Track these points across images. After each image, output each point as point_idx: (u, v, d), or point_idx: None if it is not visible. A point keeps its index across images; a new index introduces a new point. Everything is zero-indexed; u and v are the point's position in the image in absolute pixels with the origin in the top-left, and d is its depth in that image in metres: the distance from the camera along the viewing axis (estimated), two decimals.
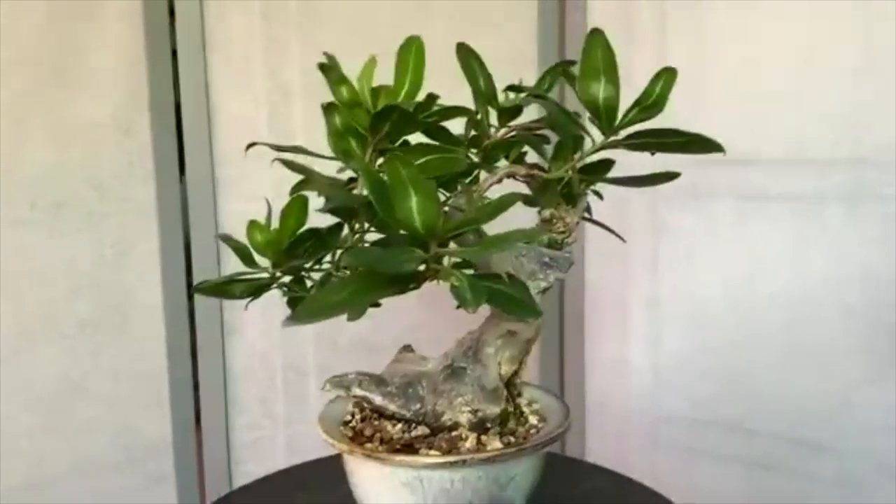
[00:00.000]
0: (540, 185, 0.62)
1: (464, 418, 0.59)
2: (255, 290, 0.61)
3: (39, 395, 1.15)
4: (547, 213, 0.63)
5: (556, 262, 0.61)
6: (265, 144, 0.59)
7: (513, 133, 0.64)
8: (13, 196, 1.11)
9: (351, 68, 0.59)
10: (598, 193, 0.65)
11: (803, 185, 1.11)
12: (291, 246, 0.59)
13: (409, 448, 0.58)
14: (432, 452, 0.57)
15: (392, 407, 0.61)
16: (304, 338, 1.32)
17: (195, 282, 1.27)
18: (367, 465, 0.57)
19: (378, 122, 0.53)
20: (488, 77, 0.62)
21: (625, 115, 0.54)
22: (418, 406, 0.60)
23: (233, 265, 1.37)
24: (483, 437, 0.58)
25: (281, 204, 0.60)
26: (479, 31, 1.29)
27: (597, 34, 0.53)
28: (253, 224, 0.59)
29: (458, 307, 0.49)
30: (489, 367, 0.61)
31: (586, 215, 0.66)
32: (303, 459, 0.88)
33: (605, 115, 0.54)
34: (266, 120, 1.27)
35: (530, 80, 0.67)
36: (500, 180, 0.61)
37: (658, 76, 0.54)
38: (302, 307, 0.49)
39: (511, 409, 0.62)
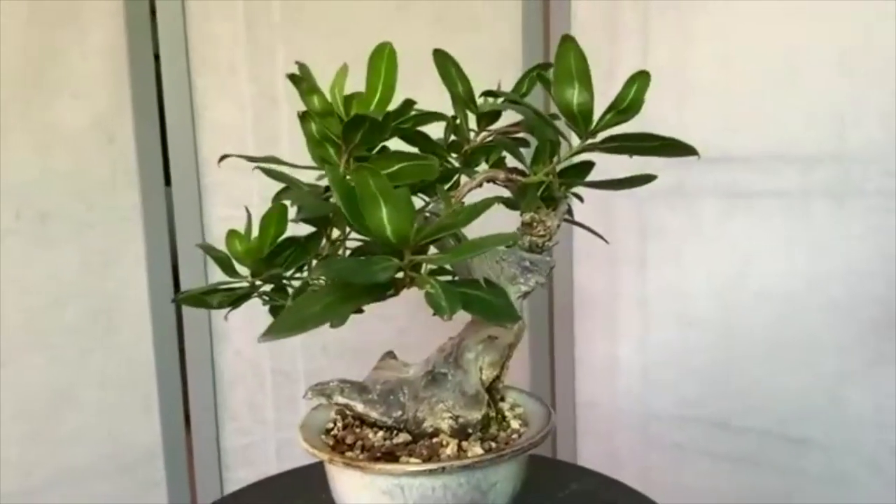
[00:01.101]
0: (520, 189, 0.62)
1: (445, 425, 0.59)
2: (235, 299, 0.60)
3: (27, 403, 1.15)
4: (527, 216, 0.63)
5: (537, 266, 0.61)
6: (239, 156, 0.59)
7: (491, 137, 0.64)
8: None
9: (333, 71, 0.59)
10: (578, 196, 0.65)
11: (788, 182, 1.11)
12: (271, 254, 0.59)
13: (390, 456, 0.58)
14: (412, 460, 0.56)
15: (374, 414, 0.61)
16: (292, 343, 1.31)
17: (182, 288, 1.27)
18: (347, 473, 0.57)
19: (350, 130, 0.53)
20: (466, 82, 0.62)
21: (600, 119, 0.54)
22: (399, 413, 0.60)
23: (220, 272, 1.37)
24: (464, 444, 0.58)
25: (265, 210, 0.59)
26: (463, 33, 1.30)
27: (568, 41, 0.53)
28: (232, 233, 0.59)
29: (434, 314, 0.49)
30: (470, 372, 0.60)
31: (567, 218, 0.65)
32: (294, 464, 0.88)
33: (580, 120, 0.54)
34: (251, 125, 1.27)
35: (514, 78, 0.66)
36: (479, 185, 0.61)
37: (632, 80, 0.54)
38: (278, 321, 0.49)
39: (493, 413, 0.61)
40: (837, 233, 1.08)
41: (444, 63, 0.61)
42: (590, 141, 0.56)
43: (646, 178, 0.59)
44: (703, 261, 1.19)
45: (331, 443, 0.61)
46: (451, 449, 0.57)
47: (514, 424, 0.62)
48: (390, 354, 0.67)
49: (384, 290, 0.53)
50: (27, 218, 1.14)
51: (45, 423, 1.17)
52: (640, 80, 0.53)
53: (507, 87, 0.66)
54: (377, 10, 1.25)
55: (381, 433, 0.61)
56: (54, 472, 1.18)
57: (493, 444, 0.59)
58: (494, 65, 1.28)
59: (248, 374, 1.32)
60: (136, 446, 1.26)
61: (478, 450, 0.57)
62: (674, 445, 1.26)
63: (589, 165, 0.62)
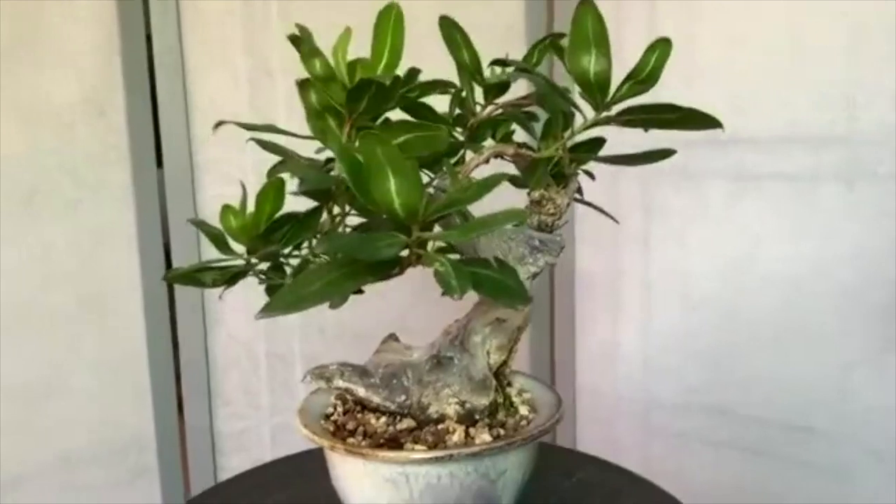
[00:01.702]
0: (528, 166, 0.59)
1: (451, 410, 0.57)
2: (229, 278, 0.57)
3: (16, 389, 1.12)
4: (536, 194, 0.60)
5: (546, 245, 0.58)
6: (234, 123, 0.55)
7: (500, 110, 0.61)
8: None
9: (331, 43, 0.56)
10: (589, 173, 0.62)
11: (797, 164, 1.09)
12: (268, 231, 0.56)
13: (394, 442, 0.55)
14: (418, 447, 0.54)
15: (376, 399, 0.58)
16: (288, 326, 1.29)
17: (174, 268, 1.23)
18: (349, 460, 0.54)
19: (354, 97, 0.50)
20: (473, 51, 0.59)
21: (618, 90, 0.52)
22: (403, 398, 0.58)
23: (214, 253, 1.33)
24: (471, 430, 0.56)
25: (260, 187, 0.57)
26: (465, 3, 1.25)
27: (587, 4, 0.50)
28: (227, 208, 0.56)
29: (444, 294, 0.47)
30: (477, 356, 0.58)
31: (577, 196, 0.63)
32: (289, 450, 0.85)
33: (597, 89, 0.51)
34: (247, 100, 1.23)
35: (518, 54, 0.64)
36: (486, 160, 0.58)
37: (652, 48, 0.51)
38: (276, 298, 0.46)
39: (500, 399, 0.59)
40: (846, 216, 1.06)
41: (450, 30, 0.58)
42: (605, 113, 0.53)
43: (664, 154, 0.56)
44: (709, 244, 1.17)
45: (331, 429, 0.58)
46: (458, 436, 0.55)
47: (523, 410, 0.59)
48: (392, 337, 0.64)
49: (389, 268, 0.51)
50: (15, 196, 1.10)
51: (35, 408, 1.14)
52: (662, 47, 0.50)
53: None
54: None
55: (383, 419, 0.58)
56: (45, 459, 1.15)
57: (502, 431, 0.56)
58: (497, 40, 1.24)
59: (243, 358, 1.30)
60: (128, 432, 1.23)
61: (486, 437, 0.55)
62: (676, 433, 1.24)
63: (600, 142, 0.59)
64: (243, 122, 0.54)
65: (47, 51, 1.11)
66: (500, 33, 1.25)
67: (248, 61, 1.22)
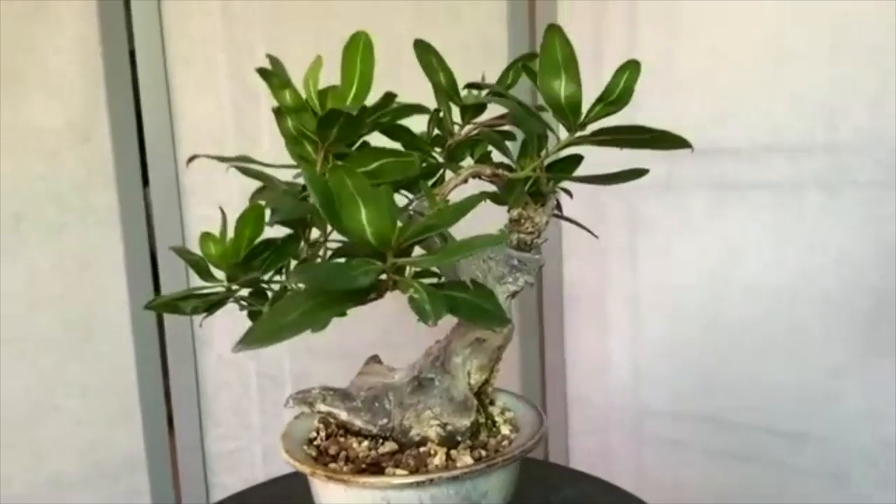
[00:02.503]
0: (507, 185, 0.59)
1: (433, 432, 0.57)
2: (210, 305, 0.58)
3: (4, 413, 1.12)
4: (514, 213, 0.60)
5: (525, 264, 0.59)
6: (209, 157, 0.56)
7: (476, 131, 0.61)
8: None
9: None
10: (567, 191, 0.63)
11: (779, 173, 1.10)
12: (248, 257, 0.56)
13: (376, 467, 0.55)
14: (399, 471, 0.54)
15: (358, 422, 0.58)
16: (278, 346, 1.28)
17: (163, 291, 1.23)
18: (330, 486, 0.54)
19: (324, 126, 0.50)
20: (449, 73, 0.59)
21: (589, 111, 0.52)
22: (385, 421, 0.58)
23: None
24: (453, 452, 0.56)
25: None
26: (447, 24, 1.27)
27: (553, 29, 0.51)
28: (206, 235, 0.56)
29: (419, 321, 0.47)
30: (457, 377, 0.58)
31: (556, 213, 0.63)
32: (280, 469, 0.85)
33: (568, 112, 0.52)
34: (232, 122, 1.24)
35: (500, 72, 0.64)
36: (465, 181, 0.58)
37: (622, 69, 0.51)
38: (253, 330, 0.47)
39: (482, 419, 0.59)
40: (829, 224, 1.06)
41: (425, 53, 0.58)
42: (578, 134, 0.54)
43: (637, 173, 0.56)
44: (694, 254, 1.17)
45: (314, 454, 0.58)
46: (439, 458, 0.55)
47: (505, 430, 0.59)
48: (375, 359, 0.64)
49: (365, 294, 0.51)
50: (1, 221, 1.10)
51: (24, 432, 1.14)
52: (631, 69, 0.51)
53: (493, 79, 0.63)
54: (358, 4, 1.22)
55: (365, 442, 0.58)
56: (35, 482, 1.15)
57: (483, 453, 0.56)
58: (480, 57, 1.25)
59: (233, 379, 1.29)
60: (118, 454, 1.23)
61: (467, 459, 0.55)
62: (667, 442, 1.24)
63: (577, 159, 0.60)
64: (217, 156, 0.54)
65: (31, 76, 1.11)
66: (481, 51, 1.26)
67: (232, 84, 1.22)
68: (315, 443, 0.60)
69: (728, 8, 1.10)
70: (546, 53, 0.51)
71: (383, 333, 1.17)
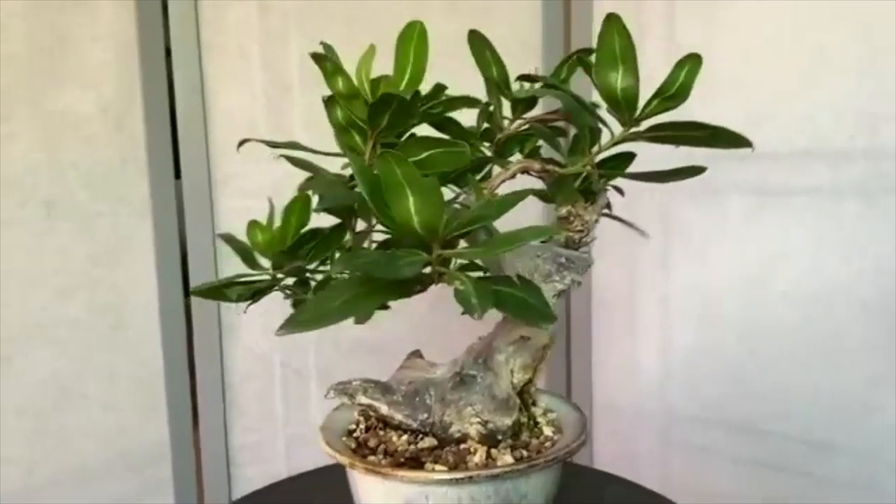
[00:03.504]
0: (556, 181, 0.58)
1: (473, 430, 0.56)
2: (255, 292, 0.57)
3: (32, 399, 1.12)
4: (563, 210, 0.59)
5: (573, 262, 0.58)
6: (259, 141, 0.55)
7: (527, 126, 0.60)
8: (2, 194, 1.07)
9: (350, 60, 0.55)
10: (618, 189, 0.62)
11: (818, 179, 1.08)
12: (293, 246, 0.56)
13: (415, 461, 0.55)
14: (438, 467, 0.53)
15: (398, 416, 0.57)
16: (304, 339, 1.28)
17: (191, 281, 1.24)
18: (368, 479, 0.54)
19: (376, 113, 0.50)
20: (502, 66, 0.58)
21: (646, 106, 0.51)
22: (425, 416, 0.57)
23: (231, 265, 1.33)
24: (493, 451, 0.55)
25: (281, 202, 0.56)
26: (481, 21, 1.25)
27: (613, 20, 0.49)
28: (253, 223, 0.56)
29: (463, 313, 0.46)
30: (500, 375, 0.57)
31: (606, 212, 0.62)
32: (303, 462, 0.85)
33: (624, 105, 0.51)
34: (264, 114, 1.24)
35: (533, 69, 0.63)
36: (513, 176, 0.57)
37: (682, 63, 0.50)
38: (297, 315, 0.46)
39: (524, 419, 0.58)
40: (868, 231, 1.04)
41: (480, 46, 0.57)
42: (633, 129, 0.52)
43: (694, 171, 0.55)
44: (728, 259, 1.16)
45: (353, 445, 0.58)
46: (479, 457, 0.54)
47: (547, 431, 0.58)
48: (416, 354, 0.63)
49: (411, 285, 0.50)
50: (33, 208, 1.10)
51: (51, 419, 1.14)
52: (691, 63, 0.50)
53: None
54: None
55: (405, 437, 0.57)
56: (59, 470, 1.15)
57: (525, 453, 0.55)
58: (514, 56, 1.24)
59: (258, 371, 1.29)
60: (143, 443, 1.23)
61: (508, 458, 0.54)
62: (695, 449, 1.23)
63: (629, 157, 0.59)
64: (268, 140, 0.54)
65: (67, 64, 1.11)
66: (517, 50, 1.25)
67: (265, 75, 1.22)
68: (354, 435, 0.59)
69: (768, 8, 1.08)
70: (603, 44, 0.49)
71: (410, 330, 1.16)
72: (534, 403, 0.61)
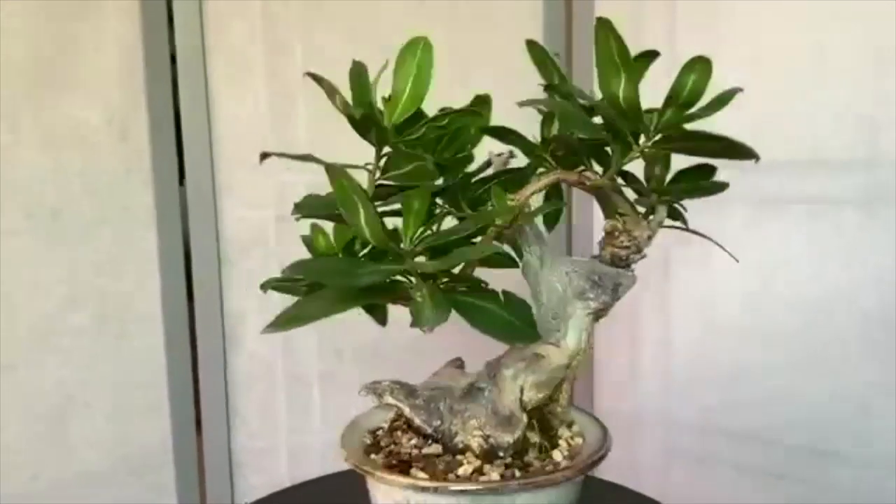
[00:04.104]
0: (597, 196, 0.56)
1: (475, 443, 0.55)
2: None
3: (37, 406, 1.12)
4: (608, 224, 0.55)
5: (603, 281, 0.55)
6: (278, 154, 0.55)
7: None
8: (7, 203, 1.08)
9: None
10: (681, 205, 0.59)
11: (818, 188, 1.09)
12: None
13: (406, 465, 0.55)
14: (421, 474, 0.53)
15: (417, 420, 0.57)
16: (307, 347, 1.29)
17: (195, 290, 1.24)
18: (367, 477, 0.55)
19: (360, 132, 0.51)
20: (562, 74, 0.57)
21: (661, 115, 0.50)
22: (439, 423, 0.57)
23: (234, 274, 1.34)
24: (487, 466, 0.54)
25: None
26: (482, 28, 1.27)
27: (603, 23, 0.48)
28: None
29: (412, 325, 0.47)
30: (504, 391, 0.55)
31: (679, 225, 0.59)
32: (306, 470, 0.85)
33: (627, 113, 0.50)
34: (269, 123, 1.24)
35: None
36: (544, 187, 0.56)
37: (689, 68, 0.48)
38: (277, 318, 0.48)
39: (535, 440, 0.56)
40: (868, 240, 1.05)
41: (540, 54, 0.56)
42: (654, 139, 0.51)
43: (719, 187, 0.55)
44: (730, 267, 1.15)
45: (368, 441, 0.59)
46: (463, 469, 0.53)
47: (557, 456, 0.56)
48: (455, 361, 0.63)
49: (387, 293, 0.51)
50: (38, 216, 1.11)
51: (55, 425, 1.15)
52: (699, 68, 0.48)
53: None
54: (396, 8, 1.22)
55: (414, 440, 0.58)
56: (63, 476, 1.15)
57: (517, 472, 0.53)
58: (516, 62, 1.24)
59: (261, 378, 1.29)
60: (145, 449, 1.23)
61: (495, 476, 0.53)
62: (696, 456, 1.23)
63: (710, 169, 0.56)
64: (284, 153, 0.54)
65: (72, 74, 1.12)
66: (519, 55, 1.25)
67: (270, 83, 1.23)
68: (376, 432, 0.60)
69: (769, 17, 1.09)
70: (602, 50, 0.48)
71: (414, 339, 1.16)
72: (569, 425, 0.59)
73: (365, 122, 0.50)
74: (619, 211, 0.57)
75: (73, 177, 1.14)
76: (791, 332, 1.12)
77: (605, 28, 0.49)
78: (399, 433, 0.59)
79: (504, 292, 0.54)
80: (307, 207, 0.54)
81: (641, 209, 0.58)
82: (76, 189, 1.14)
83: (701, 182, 0.55)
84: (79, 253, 1.15)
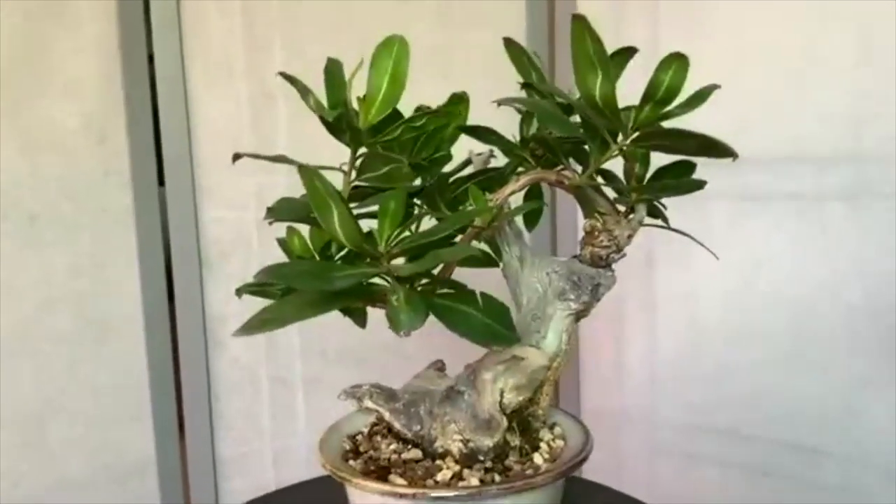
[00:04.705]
0: (577, 195, 0.56)
1: (455, 447, 0.54)
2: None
3: (15, 412, 1.11)
4: (587, 224, 0.55)
5: (582, 282, 0.54)
6: (250, 155, 0.54)
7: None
8: None
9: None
10: (661, 203, 0.59)
11: (802, 184, 1.08)
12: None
13: (384, 471, 0.54)
14: (399, 480, 0.52)
15: (396, 425, 0.56)
16: (290, 349, 1.28)
17: (176, 293, 1.23)
18: (345, 483, 0.54)
19: (333, 133, 0.50)
20: (540, 72, 0.56)
21: (638, 112, 0.49)
22: (418, 427, 0.56)
23: (215, 276, 1.32)
24: (466, 472, 0.53)
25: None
26: (465, 26, 1.26)
27: (579, 20, 0.48)
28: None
29: (390, 327, 0.46)
30: (484, 394, 0.55)
31: (660, 224, 0.59)
32: (290, 474, 0.84)
33: (605, 110, 0.49)
34: (248, 124, 1.23)
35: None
36: (522, 187, 0.55)
37: (666, 64, 0.48)
38: (250, 319, 0.47)
39: (515, 443, 0.55)
40: (852, 236, 1.05)
41: (518, 54, 0.56)
42: (632, 137, 0.50)
43: (696, 184, 0.54)
44: (714, 264, 1.15)
45: (347, 446, 0.58)
46: (442, 475, 0.53)
47: (538, 459, 0.55)
48: (436, 364, 0.62)
49: (362, 296, 0.51)
50: (15, 219, 1.09)
51: (34, 432, 1.13)
52: (676, 64, 0.48)
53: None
54: (377, 6, 1.21)
55: (393, 445, 0.57)
56: (43, 483, 1.14)
57: (497, 478, 0.53)
58: (500, 60, 1.24)
59: (245, 382, 1.28)
60: (128, 456, 1.21)
61: (474, 481, 0.52)
62: (683, 454, 1.23)
63: (688, 167, 0.56)
64: (258, 154, 0.53)
65: (49, 76, 1.11)
66: (503, 54, 1.25)
67: (250, 85, 1.22)
68: (356, 437, 0.60)
69: (752, 14, 1.09)
70: (578, 48, 0.48)
71: (399, 341, 1.15)
72: (550, 427, 0.59)
73: (339, 123, 0.49)
74: (599, 210, 0.56)
75: (51, 180, 1.12)
76: (776, 329, 1.12)
77: (581, 25, 0.48)
78: (379, 438, 0.58)
79: (483, 294, 0.53)
80: (281, 211, 0.53)
81: (621, 208, 0.57)
82: (54, 192, 1.13)
83: (679, 179, 0.53)
84: (58, 256, 1.13)
